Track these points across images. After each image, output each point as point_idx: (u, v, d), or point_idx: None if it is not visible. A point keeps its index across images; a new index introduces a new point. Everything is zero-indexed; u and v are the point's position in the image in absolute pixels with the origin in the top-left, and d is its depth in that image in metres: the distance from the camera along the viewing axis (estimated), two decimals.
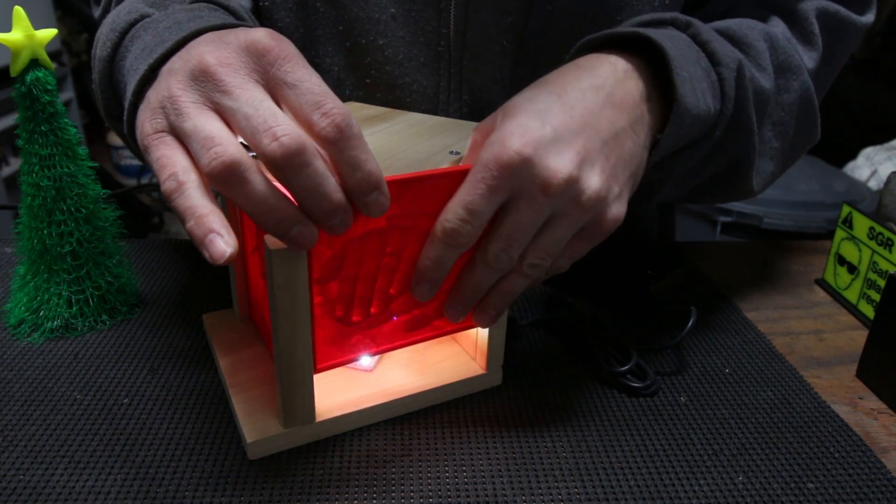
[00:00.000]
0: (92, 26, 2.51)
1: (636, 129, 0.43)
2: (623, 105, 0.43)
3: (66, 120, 0.51)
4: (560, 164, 0.38)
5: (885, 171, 1.84)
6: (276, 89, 0.35)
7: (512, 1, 0.57)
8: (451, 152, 0.46)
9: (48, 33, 0.49)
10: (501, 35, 0.59)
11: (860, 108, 2.15)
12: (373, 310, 0.44)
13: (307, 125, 0.34)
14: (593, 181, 0.40)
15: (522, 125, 0.39)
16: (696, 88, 0.45)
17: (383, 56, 0.60)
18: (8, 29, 0.47)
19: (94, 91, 0.51)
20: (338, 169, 0.34)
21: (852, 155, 1.99)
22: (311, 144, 0.33)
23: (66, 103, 2.35)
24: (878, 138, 1.97)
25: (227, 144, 0.33)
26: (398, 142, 0.48)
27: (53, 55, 2.22)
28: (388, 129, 0.51)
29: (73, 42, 2.68)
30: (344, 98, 0.63)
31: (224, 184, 0.33)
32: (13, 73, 0.48)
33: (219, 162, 0.32)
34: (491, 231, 0.41)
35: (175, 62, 0.38)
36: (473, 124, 0.53)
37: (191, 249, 0.68)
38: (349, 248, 0.40)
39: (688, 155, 0.49)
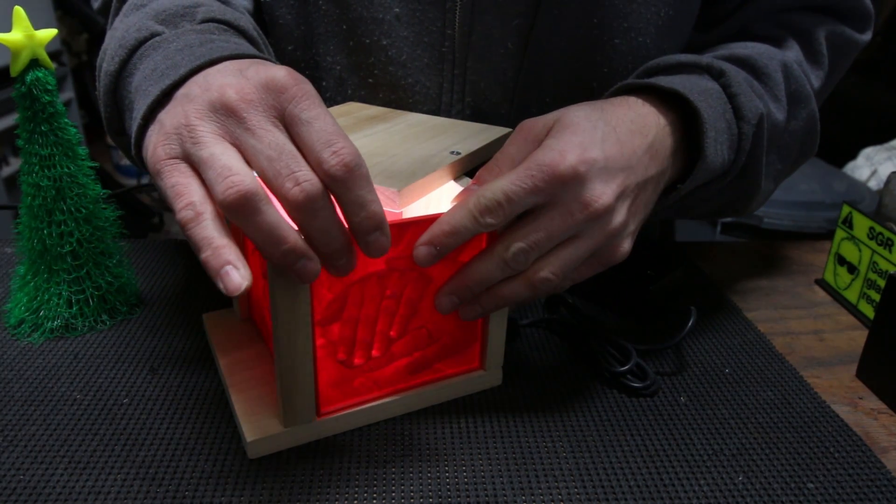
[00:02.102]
0: (92, 26, 2.51)
1: (659, 181, 0.47)
2: (659, 156, 0.46)
3: (66, 120, 0.51)
4: (605, 190, 0.42)
5: (885, 171, 1.84)
6: (290, 125, 0.36)
7: (518, 4, 0.57)
8: (452, 153, 0.47)
9: (48, 33, 0.49)
10: (507, 37, 0.59)
11: (860, 108, 2.15)
12: (374, 352, 0.44)
13: (317, 162, 0.35)
14: (621, 214, 0.43)
15: (582, 144, 0.41)
16: (719, 143, 0.49)
17: (387, 56, 0.60)
18: (8, 29, 0.47)
19: (98, 102, 0.51)
20: (342, 208, 0.35)
21: (852, 155, 1.99)
22: (325, 190, 0.35)
23: (66, 103, 2.35)
24: (878, 138, 1.97)
25: (243, 175, 0.34)
26: (399, 142, 0.48)
27: (53, 55, 2.22)
28: (388, 130, 0.51)
29: (73, 42, 2.68)
30: (346, 97, 0.63)
31: (237, 213, 0.34)
32: (13, 73, 0.48)
33: (234, 191, 0.33)
34: (516, 230, 0.42)
35: (192, 89, 0.38)
36: (474, 125, 0.53)
37: (191, 249, 0.68)
38: (350, 290, 0.41)
39: (696, 194, 0.53)
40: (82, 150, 0.53)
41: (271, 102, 0.35)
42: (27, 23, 0.47)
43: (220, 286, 0.33)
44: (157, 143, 0.37)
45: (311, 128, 0.35)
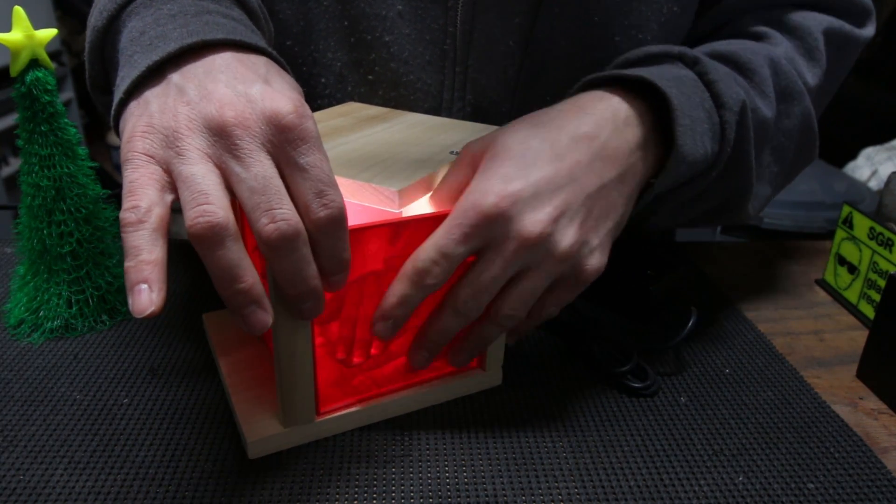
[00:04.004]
0: None
1: (624, 180, 0.44)
2: (615, 156, 0.43)
3: (66, 120, 0.51)
4: (536, 219, 0.40)
5: (885, 171, 1.84)
6: (285, 165, 0.35)
7: (519, 2, 0.57)
8: (452, 153, 0.46)
9: (48, 33, 0.49)
10: (508, 35, 0.59)
11: (860, 108, 2.15)
12: (373, 351, 0.44)
13: (304, 208, 0.35)
14: (568, 236, 0.41)
15: (506, 175, 0.40)
16: (696, 132, 0.46)
17: (388, 53, 0.60)
18: (8, 29, 0.47)
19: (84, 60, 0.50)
20: (316, 248, 0.36)
21: (852, 155, 1.99)
22: (304, 231, 0.34)
23: (66, 103, 2.35)
24: (879, 138, 1.97)
25: (217, 206, 0.33)
26: (399, 142, 0.48)
27: (53, 55, 2.22)
28: (388, 129, 0.51)
29: (73, 42, 2.68)
30: (345, 94, 0.63)
31: (200, 243, 0.33)
32: (13, 73, 0.48)
33: (205, 221, 0.33)
34: (462, 278, 0.41)
35: (188, 85, 0.37)
36: (474, 125, 0.53)
37: (190, 249, 0.68)
38: (348, 289, 0.41)
39: (681, 192, 0.50)
40: (82, 150, 0.53)
41: (269, 137, 0.35)
42: (27, 23, 0.47)
43: (129, 302, 0.33)
44: (138, 132, 0.36)
45: (307, 174, 0.35)
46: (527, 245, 0.40)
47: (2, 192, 2.00)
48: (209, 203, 0.33)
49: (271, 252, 0.34)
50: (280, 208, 0.34)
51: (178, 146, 0.35)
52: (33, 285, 0.54)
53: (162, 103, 0.36)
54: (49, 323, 0.53)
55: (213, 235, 0.33)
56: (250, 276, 0.34)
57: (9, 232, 0.59)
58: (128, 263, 0.33)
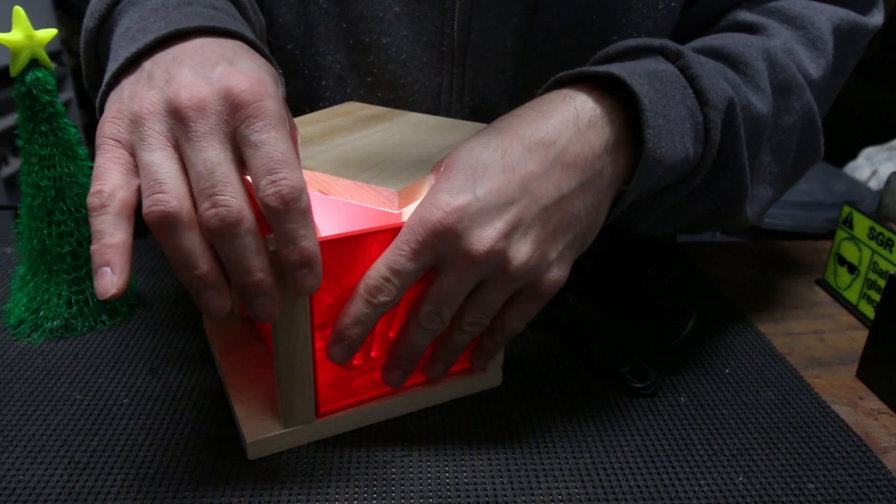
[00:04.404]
0: None
1: (588, 189, 0.41)
2: (575, 164, 0.40)
3: (66, 120, 0.51)
4: (483, 235, 0.38)
5: (885, 171, 1.84)
6: (242, 145, 0.35)
7: (517, 3, 0.57)
8: None
9: (48, 33, 0.49)
10: (505, 36, 0.59)
11: (860, 108, 2.15)
12: (373, 353, 0.44)
13: (255, 187, 0.34)
14: (522, 250, 0.39)
15: (454, 189, 0.38)
16: (675, 133, 0.42)
17: (386, 55, 0.60)
18: (8, 29, 0.47)
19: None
20: (276, 239, 0.35)
21: (852, 155, 1.99)
22: (249, 220, 0.34)
23: (66, 103, 2.35)
24: (879, 138, 1.98)
25: (171, 195, 0.33)
26: (398, 142, 0.48)
27: (53, 55, 2.22)
28: (388, 129, 0.51)
29: (73, 42, 2.68)
30: (345, 96, 0.63)
31: (156, 230, 0.33)
32: (13, 73, 0.48)
33: (157, 209, 0.33)
34: (423, 292, 0.41)
35: (156, 72, 0.37)
36: (474, 125, 0.53)
37: None
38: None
39: (664, 198, 0.47)
40: (82, 150, 0.53)
41: (225, 116, 0.34)
42: (27, 23, 0.47)
43: (94, 284, 0.33)
44: (109, 118, 0.36)
45: (258, 152, 0.34)
46: (477, 262, 0.38)
47: (2, 192, 2.00)
48: (162, 192, 0.33)
49: (214, 238, 0.34)
50: (222, 194, 0.33)
51: (140, 131, 0.35)
52: (33, 285, 0.54)
53: (133, 90, 0.37)
54: (49, 323, 0.53)
55: (166, 224, 0.33)
56: (204, 263, 0.34)
57: (9, 232, 0.59)
58: (92, 247, 0.33)
